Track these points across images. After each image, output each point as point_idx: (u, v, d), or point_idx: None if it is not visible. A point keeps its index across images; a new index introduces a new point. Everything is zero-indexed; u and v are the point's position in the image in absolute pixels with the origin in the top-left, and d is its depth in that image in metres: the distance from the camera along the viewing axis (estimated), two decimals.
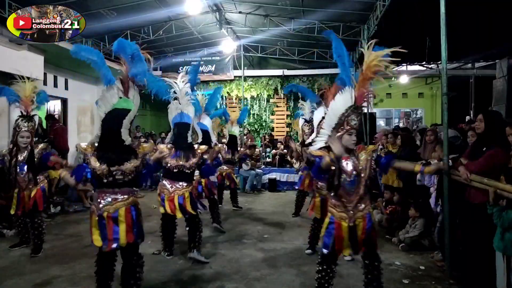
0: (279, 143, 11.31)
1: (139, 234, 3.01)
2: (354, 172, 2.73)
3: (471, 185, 3.28)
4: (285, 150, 10.90)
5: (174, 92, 4.08)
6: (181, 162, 4.11)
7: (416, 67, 12.74)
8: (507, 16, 7.27)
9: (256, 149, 9.27)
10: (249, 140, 11.21)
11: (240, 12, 9.86)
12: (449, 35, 3.71)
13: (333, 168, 2.67)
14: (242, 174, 9.28)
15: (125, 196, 2.95)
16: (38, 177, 4.49)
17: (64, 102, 9.53)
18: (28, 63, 7.01)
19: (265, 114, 13.07)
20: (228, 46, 11.79)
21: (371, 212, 2.83)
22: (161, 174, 4.35)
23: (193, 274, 3.87)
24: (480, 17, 7.90)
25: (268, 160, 10.92)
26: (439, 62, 7.39)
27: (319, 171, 2.77)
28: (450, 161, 3.65)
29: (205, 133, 5.24)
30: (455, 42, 5.00)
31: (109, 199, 2.92)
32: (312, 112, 4.98)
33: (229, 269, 4.02)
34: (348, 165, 2.74)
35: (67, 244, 4.99)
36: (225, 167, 6.69)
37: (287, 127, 13.15)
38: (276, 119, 13.25)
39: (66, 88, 9.43)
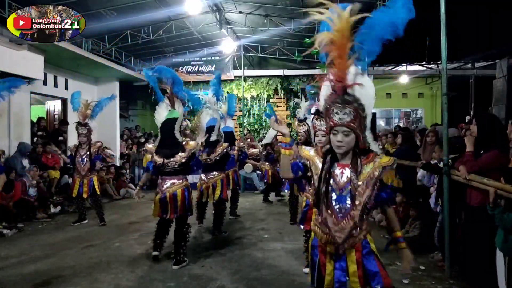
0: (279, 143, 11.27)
1: (189, 209, 4.11)
2: (347, 187, 1.91)
3: (471, 186, 3.28)
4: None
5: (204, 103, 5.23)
6: (212, 155, 5.02)
7: (416, 67, 12.73)
8: (507, 16, 7.28)
9: (256, 149, 9.23)
10: (249, 140, 11.19)
11: (240, 12, 9.85)
12: (449, 35, 3.71)
13: (313, 172, 2.07)
14: (243, 175, 9.25)
15: (181, 181, 4.05)
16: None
17: (64, 102, 9.50)
18: (28, 63, 7.01)
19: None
20: (228, 46, 11.77)
21: (369, 240, 2.02)
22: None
23: (193, 274, 3.87)
24: (480, 17, 7.91)
25: None
26: (439, 62, 7.40)
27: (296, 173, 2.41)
28: (450, 161, 3.65)
29: (230, 134, 5.92)
30: (455, 42, 5.00)
31: (169, 184, 4.00)
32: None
33: (229, 269, 4.01)
34: (342, 174, 1.94)
35: (67, 244, 4.99)
36: (267, 164, 7.96)
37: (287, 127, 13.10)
38: None
39: (66, 88, 9.41)
